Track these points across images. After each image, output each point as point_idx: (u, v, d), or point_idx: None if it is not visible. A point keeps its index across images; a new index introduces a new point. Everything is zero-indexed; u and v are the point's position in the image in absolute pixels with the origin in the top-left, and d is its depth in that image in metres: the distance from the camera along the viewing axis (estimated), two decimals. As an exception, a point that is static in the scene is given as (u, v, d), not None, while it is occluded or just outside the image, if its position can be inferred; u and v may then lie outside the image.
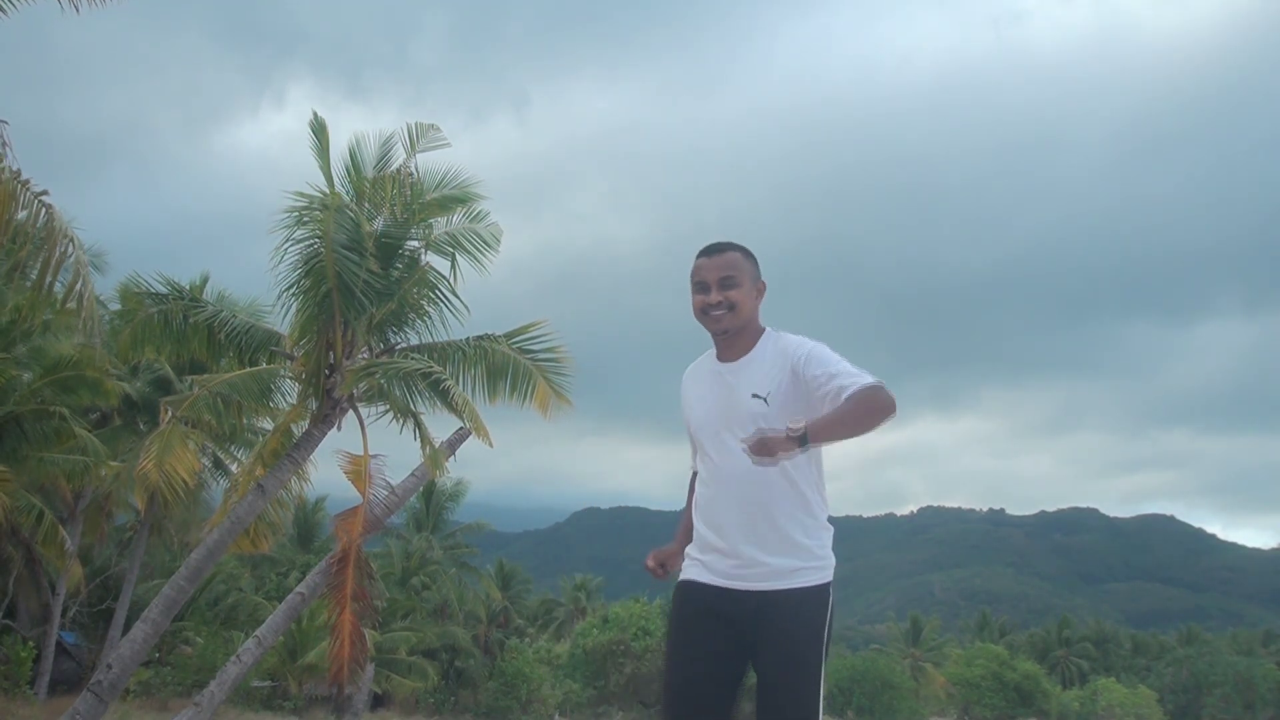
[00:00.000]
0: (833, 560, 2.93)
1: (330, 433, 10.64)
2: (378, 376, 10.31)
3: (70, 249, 7.60)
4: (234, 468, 18.34)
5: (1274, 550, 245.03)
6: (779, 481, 2.85)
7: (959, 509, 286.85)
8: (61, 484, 17.20)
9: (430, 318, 10.88)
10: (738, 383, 2.91)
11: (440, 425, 10.96)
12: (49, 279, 7.52)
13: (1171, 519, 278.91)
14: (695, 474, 3.09)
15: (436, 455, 10.73)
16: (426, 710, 31.57)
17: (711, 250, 2.99)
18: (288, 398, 11.33)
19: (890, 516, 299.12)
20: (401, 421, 10.78)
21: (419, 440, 10.75)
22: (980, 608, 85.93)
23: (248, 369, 10.80)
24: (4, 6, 7.43)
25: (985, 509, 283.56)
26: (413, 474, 11.31)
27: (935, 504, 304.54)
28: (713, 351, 3.05)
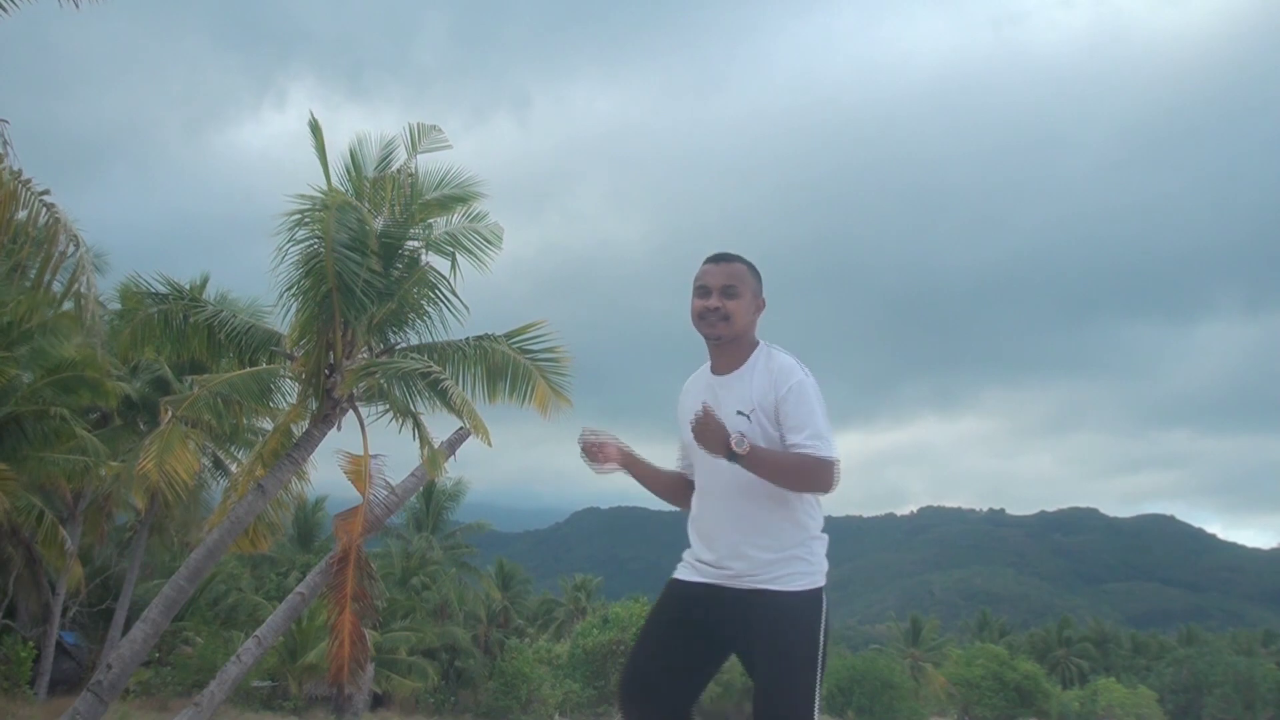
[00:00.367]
0: (825, 566, 2.96)
1: (330, 433, 10.64)
2: (377, 376, 10.31)
3: (73, 248, 7.60)
4: (234, 468, 18.33)
5: (1274, 550, 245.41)
6: (769, 498, 2.88)
7: (959, 509, 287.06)
8: (61, 484, 17.20)
9: (430, 318, 10.89)
10: (725, 397, 2.96)
11: (440, 425, 10.98)
12: (48, 278, 7.52)
13: (1171, 519, 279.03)
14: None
15: (435, 456, 10.73)
16: (426, 710, 31.56)
17: (719, 258, 3.04)
18: (288, 398, 11.34)
19: (890, 516, 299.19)
20: (401, 421, 10.79)
21: (418, 440, 10.76)
22: (980, 608, 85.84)
23: (248, 369, 10.80)
24: (4, 5, 7.43)
25: (985, 509, 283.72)
26: (412, 474, 11.31)
27: (935, 504, 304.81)
28: (707, 365, 3.11)
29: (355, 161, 10.82)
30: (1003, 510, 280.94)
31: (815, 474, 2.82)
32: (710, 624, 2.92)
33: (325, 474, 12.29)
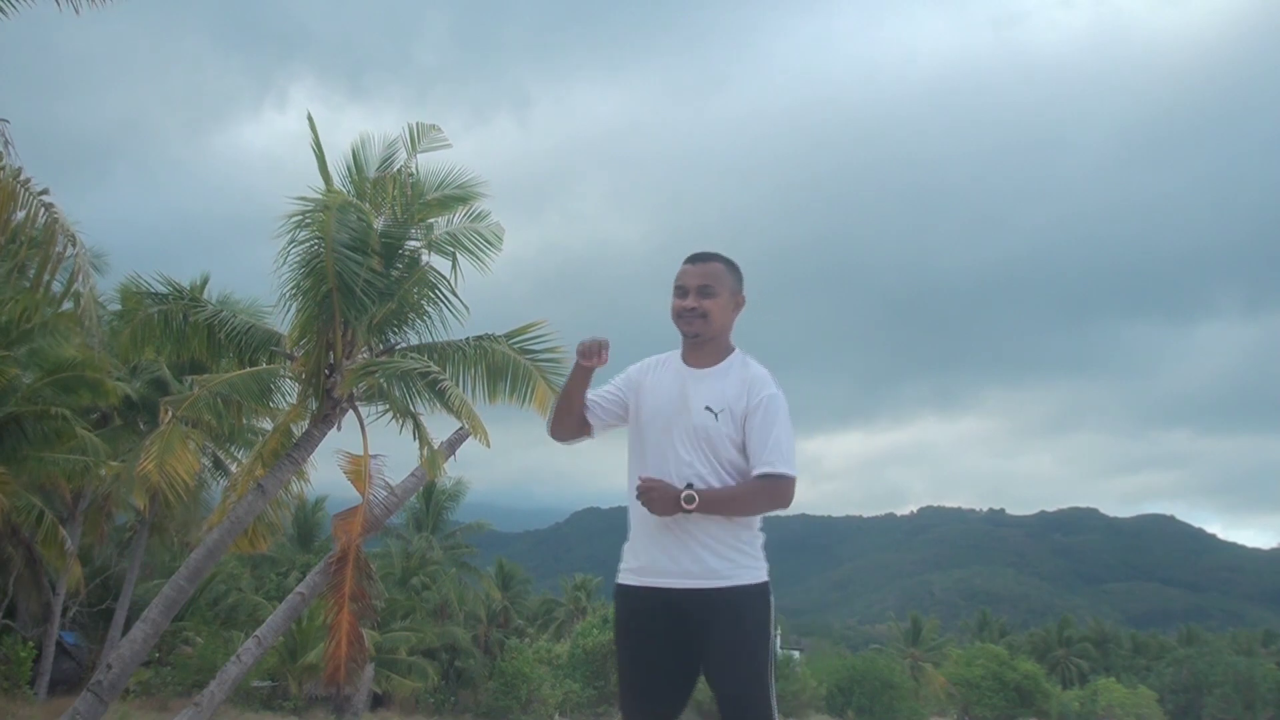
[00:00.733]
0: (766, 562, 3.03)
1: (330, 433, 10.65)
2: (377, 376, 10.31)
3: (70, 248, 7.60)
4: (234, 468, 18.33)
5: (1274, 550, 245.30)
6: (709, 485, 2.94)
7: (959, 509, 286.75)
8: (61, 484, 17.20)
9: (430, 318, 10.89)
10: (696, 390, 3.01)
11: (441, 425, 10.97)
12: (47, 278, 7.52)
13: (1171, 519, 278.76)
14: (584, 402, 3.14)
15: (434, 456, 10.74)
16: (426, 710, 31.56)
17: (696, 258, 3.09)
18: (288, 398, 11.34)
19: (890, 516, 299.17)
20: (401, 421, 10.79)
21: (418, 441, 10.76)
22: (980, 608, 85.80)
23: (248, 369, 10.81)
24: (4, 8, 7.43)
25: (985, 509, 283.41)
26: (412, 474, 11.32)
27: (935, 504, 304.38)
28: (675, 354, 3.15)
29: (357, 161, 10.83)
30: (1003, 510, 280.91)
31: (772, 494, 2.92)
32: (674, 627, 2.94)
33: (325, 474, 12.29)
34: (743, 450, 2.95)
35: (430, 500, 37.20)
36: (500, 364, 10.83)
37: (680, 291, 3.05)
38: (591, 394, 3.14)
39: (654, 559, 2.96)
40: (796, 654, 46.15)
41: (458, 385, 10.43)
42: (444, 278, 10.74)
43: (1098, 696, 48.42)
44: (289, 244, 10.04)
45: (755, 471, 2.92)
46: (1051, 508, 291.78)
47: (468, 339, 11.01)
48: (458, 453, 11.30)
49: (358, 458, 10.94)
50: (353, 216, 9.88)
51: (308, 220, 9.98)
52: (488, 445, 10.49)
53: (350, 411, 10.73)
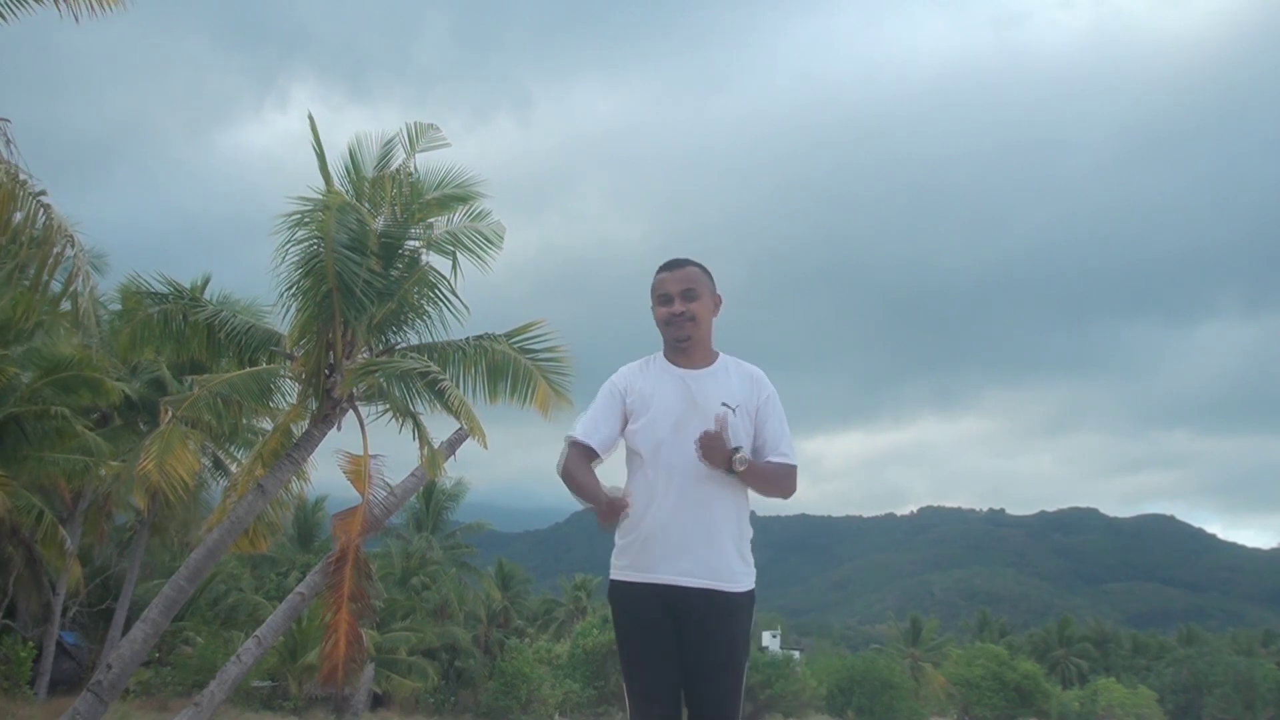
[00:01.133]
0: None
1: (330, 433, 10.64)
2: (377, 376, 10.30)
3: (69, 249, 7.60)
4: (234, 468, 18.33)
5: (1274, 550, 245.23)
6: (727, 485, 3.02)
7: (959, 509, 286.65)
8: (61, 484, 17.18)
9: (430, 318, 10.88)
10: (704, 389, 3.09)
11: (441, 425, 10.93)
12: (45, 278, 7.52)
13: (1171, 519, 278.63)
14: (575, 445, 3.08)
15: (434, 456, 10.72)
16: (426, 710, 31.56)
17: (672, 265, 3.18)
18: (288, 398, 11.33)
19: (890, 516, 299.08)
20: (401, 421, 10.77)
21: (418, 441, 10.75)
22: (980, 608, 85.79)
23: (248, 369, 10.80)
24: (3, 14, 7.43)
25: (985, 509, 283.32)
26: (412, 474, 11.31)
27: (935, 504, 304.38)
28: (658, 357, 3.20)
29: (355, 161, 10.81)
30: (1003, 510, 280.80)
31: (789, 482, 3.14)
32: (673, 624, 2.99)
33: (325, 474, 12.26)
34: (751, 443, 3.08)
35: (430, 500, 37.19)
36: (500, 364, 10.82)
37: (665, 299, 3.13)
38: (594, 438, 3.08)
39: (673, 555, 2.98)
40: (796, 654, 46.09)
41: (458, 385, 10.41)
42: (444, 277, 10.72)
43: (1098, 696, 48.42)
44: (286, 243, 10.02)
45: (777, 459, 3.10)
46: (1051, 508, 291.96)
47: (468, 339, 11.00)
48: (458, 453, 11.30)
49: (358, 458, 10.94)
50: (351, 218, 9.86)
51: (307, 220, 9.97)
52: (485, 446, 10.49)
53: (350, 411, 10.73)
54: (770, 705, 37.94)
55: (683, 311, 3.09)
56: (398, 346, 11.00)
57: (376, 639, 26.51)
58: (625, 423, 3.12)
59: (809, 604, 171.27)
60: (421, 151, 10.90)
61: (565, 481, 3.07)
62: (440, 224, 10.96)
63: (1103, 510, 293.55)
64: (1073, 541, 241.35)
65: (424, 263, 10.81)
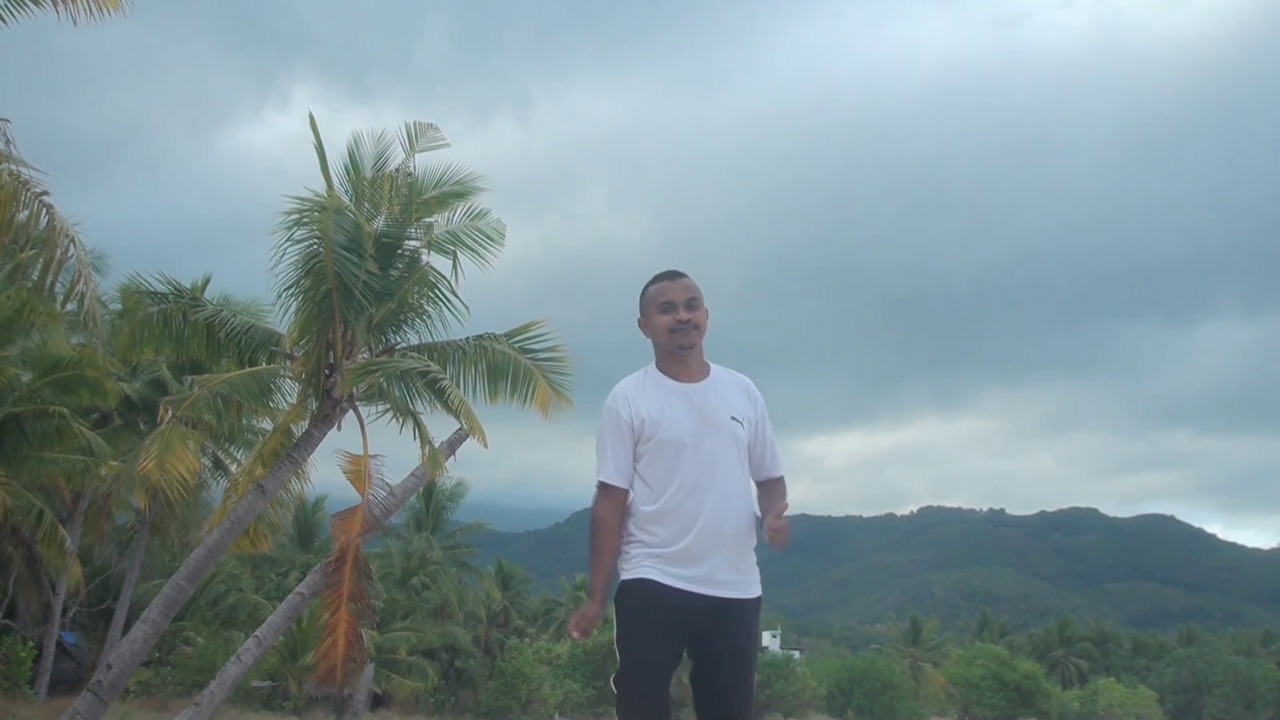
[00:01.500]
0: None
1: (330, 433, 10.64)
2: (377, 376, 10.30)
3: (71, 249, 7.60)
4: (234, 468, 18.33)
5: (1274, 550, 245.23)
6: (745, 499, 3.13)
7: (959, 509, 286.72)
8: (61, 484, 17.19)
9: (430, 317, 10.87)
10: (710, 403, 3.14)
11: (441, 425, 10.97)
12: (50, 279, 7.53)
13: (1171, 519, 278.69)
14: (610, 491, 3.10)
15: (436, 455, 10.72)
16: (426, 710, 31.56)
17: (674, 275, 3.23)
18: (288, 398, 11.33)
19: (890, 516, 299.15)
20: (401, 421, 10.77)
21: (418, 440, 10.75)
22: (980, 608, 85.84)
23: (248, 369, 10.79)
24: (3, 17, 7.44)
25: (985, 509, 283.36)
26: (412, 474, 11.31)
27: (935, 504, 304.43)
28: (650, 371, 3.22)
29: (354, 161, 10.79)
30: (1003, 510, 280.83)
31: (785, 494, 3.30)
32: (684, 630, 3.03)
33: (325, 474, 12.31)
34: (752, 452, 3.20)
35: (430, 500, 37.19)
36: (500, 363, 10.82)
37: (669, 307, 3.15)
38: (618, 478, 3.11)
39: (695, 566, 3.01)
40: (796, 654, 46.11)
41: (458, 385, 10.41)
42: (444, 277, 10.71)
43: (1098, 696, 48.43)
44: (283, 242, 10.00)
45: (776, 474, 3.25)
46: (1051, 508, 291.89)
47: (468, 338, 10.99)
48: (458, 453, 11.30)
49: (358, 458, 10.93)
50: (346, 220, 9.85)
51: (305, 220, 9.96)
52: (485, 446, 10.49)
53: (350, 411, 10.72)
54: (770, 705, 37.95)
55: (688, 319, 3.13)
56: (398, 346, 11.00)
57: (376, 639, 26.52)
58: (635, 446, 3.13)
59: (809, 604, 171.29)
60: (421, 151, 10.88)
61: (591, 537, 3.12)
62: (441, 223, 10.95)
63: (1103, 510, 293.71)
64: (1073, 541, 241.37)
65: (424, 262, 10.80)
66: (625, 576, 3.08)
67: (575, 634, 3.13)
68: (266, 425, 14.65)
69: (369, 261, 9.91)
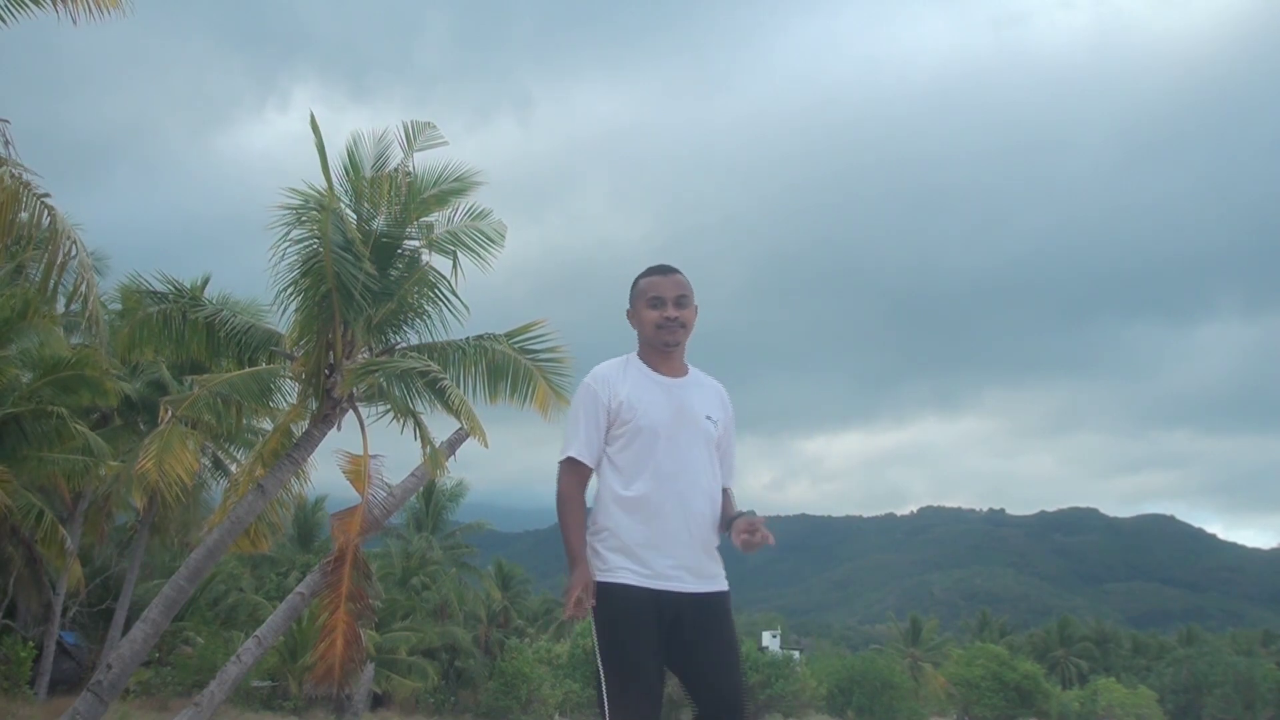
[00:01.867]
0: None
1: (330, 433, 10.63)
2: (377, 376, 10.29)
3: (74, 250, 7.61)
4: (234, 468, 18.33)
5: (1274, 550, 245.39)
6: (713, 494, 3.14)
7: (959, 509, 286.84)
8: (61, 484, 17.19)
9: (430, 318, 10.86)
10: (688, 399, 3.16)
11: (441, 425, 10.95)
12: (54, 281, 7.52)
13: (1171, 519, 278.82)
14: (574, 466, 3.11)
15: (436, 455, 10.72)
16: (426, 710, 31.56)
17: (666, 270, 3.23)
18: (288, 398, 11.32)
19: (890, 516, 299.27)
20: (402, 421, 10.76)
21: (419, 440, 10.74)
22: (980, 608, 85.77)
23: (248, 369, 10.79)
24: (4, 17, 7.44)
25: (985, 509, 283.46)
26: (412, 474, 11.31)
27: (935, 504, 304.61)
28: (632, 359, 3.23)
29: (354, 161, 10.78)
30: (1003, 510, 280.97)
31: None
32: (665, 631, 3.00)
33: (325, 474, 12.30)
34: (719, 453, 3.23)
35: (430, 500, 37.18)
36: (500, 364, 10.81)
37: (659, 302, 3.15)
38: (591, 458, 3.11)
39: (670, 562, 3.01)
40: (796, 654, 46.03)
41: (458, 385, 10.40)
42: (444, 277, 10.68)
43: (1098, 696, 48.41)
44: (282, 241, 9.99)
45: (728, 484, 3.24)
46: (1051, 508, 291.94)
47: (468, 339, 10.98)
48: (458, 453, 11.30)
49: (357, 458, 10.92)
50: (345, 220, 9.84)
51: (303, 218, 9.95)
52: (485, 445, 10.48)
53: (350, 411, 10.72)
54: (770, 705, 37.94)
55: (676, 317, 3.13)
56: (398, 346, 10.99)
57: (376, 639, 26.52)
58: (608, 429, 3.12)
59: (809, 604, 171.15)
60: (419, 150, 10.85)
61: (560, 513, 3.09)
62: (441, 223, 10.92)
63: (1103, 510, 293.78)
64: (1073, 541, 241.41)
65: (424, 263, 10.79)
66: (601, 579, 3.01)
67: (574, 613, 2.96)
68: (266, 425, 14.65)
69: (368, 261, 9.90)
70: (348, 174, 10.69)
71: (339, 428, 10.64)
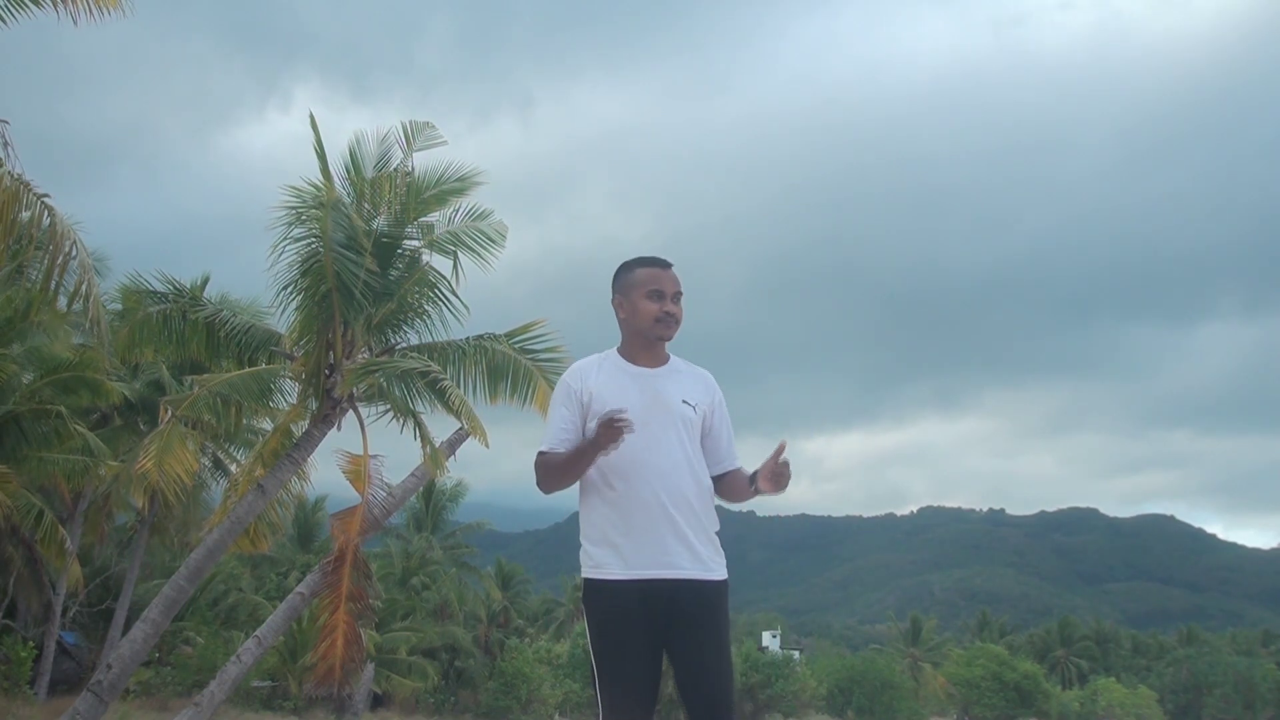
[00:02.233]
0: None
1: (330, 433, 10.64)
2: (377, 376, 10.30)
3: (75, 251, 7.61)
4: (234, 468, 18.33)
5: (1274, 550, 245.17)
6: (697, 477, 3.10)
7: (959, 509, 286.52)
8: (61, 484, 17.20)
9: (430, 317, 10.86)
10: (665, 386, 3.15)
11: (441, 425, 10.96)
12: (55, 281, 7.52)
13: (1171, 519, 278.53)
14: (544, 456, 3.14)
15: (436, 455, 10.72)
16: (426, 710, 31.58)
17: (665, 263, 3.22)
18: (288, 398, 11.33)
19: (890, 516, 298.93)
20: (401, 421, 10.77)
21: (419, 440, 10.75)
22: (980, 608, 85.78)
23: (247, 369, 10.79)
24: (4, 17, 7.44)
25: (985, 509, 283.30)
26: (412, 474, 11.32)
27: (935, 504, 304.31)
28: (609, 355, 3.23)
29: (355, 161, 10.79)
30: (1003, 510, 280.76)
31: None
32: (658, 621, 2.97)
33: (325, 474, 12.31)
34: (703, 441, 3.19)
35: (430, 500, 37.21)
36: (501, 364, 10.82)
37: (658, 295, 3.13)
38: (562, 448, 3.10)
39: (656, 550, 2.99)
40: (796, 654, 46.06)
41: (458, 385, 10.41)
42: (444, 277, 10.69)
43: (1098, 696, 48.43)
44: (282, 240, 9.99)
45: (734, 466, 3.22)
46: (1051, 508, 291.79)
47: (468, 339, 10.99)
48: (458, 453, 11.31)
49: (357, 458, 10.93)
50: (345, 219, 9.84)
51: (303, 216, 9.95)
52: (486, 445, 10.49)
53: (350, 411, 10.73)
54: (770, 705, 37.95)
55: (674, 313, 3.14)
56: (398, 346, 11.00)
57: (376, 639, 26.53)
58: (584, 422, 3.12)
59: (809, 604, 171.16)
60: (419, 150, 10.87)
61: (548, 478, 3.12)
62: (441, 223, 10.93)
63: (1103, 510, 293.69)
64: (1073, 541, 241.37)
65: (424, 262, 10.80)
66: (587, 575, 3.07)
67: (615, 433, 2.84)
68: (266, 425, 14.65)
69: (367, 259, 9.91)
70: (349, 174, 10.70)
71: (339, 428, 10.65)
